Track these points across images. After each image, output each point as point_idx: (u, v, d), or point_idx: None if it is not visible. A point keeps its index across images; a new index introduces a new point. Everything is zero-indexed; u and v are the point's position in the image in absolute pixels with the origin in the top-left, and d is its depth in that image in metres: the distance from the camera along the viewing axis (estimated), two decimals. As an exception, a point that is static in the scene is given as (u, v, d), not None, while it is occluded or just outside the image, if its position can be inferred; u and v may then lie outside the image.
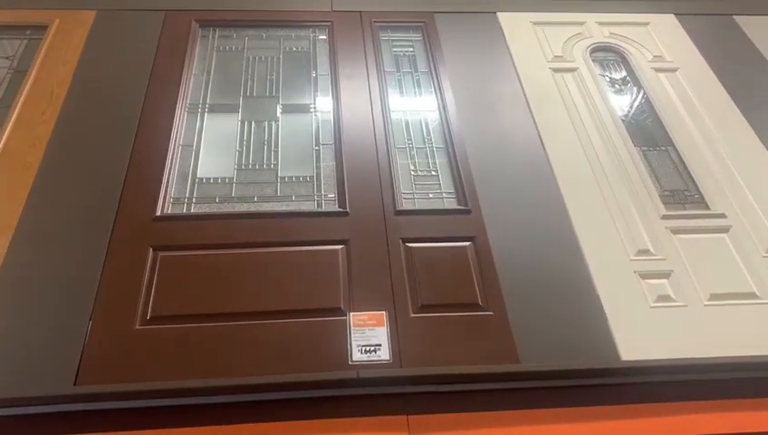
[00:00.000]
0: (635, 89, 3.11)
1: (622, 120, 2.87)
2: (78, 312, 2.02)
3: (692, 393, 2.02)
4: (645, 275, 2.28)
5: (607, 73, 3.18)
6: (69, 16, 3.15)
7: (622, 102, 3.02)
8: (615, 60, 3.27)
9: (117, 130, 2.60)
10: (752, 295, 2.25)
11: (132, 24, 3.11)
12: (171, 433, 1.75)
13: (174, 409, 1.80)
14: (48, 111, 2.68)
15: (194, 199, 2.46)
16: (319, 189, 2.52)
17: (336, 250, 2.26)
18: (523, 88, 2.97)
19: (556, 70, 3.10)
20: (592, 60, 3.20)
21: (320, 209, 2.43)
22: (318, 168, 2.60)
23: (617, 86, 3.12)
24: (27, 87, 2.78)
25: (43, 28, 3.11)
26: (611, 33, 3.35)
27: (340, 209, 2.41)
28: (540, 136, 2.75)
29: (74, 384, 1.86)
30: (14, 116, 2.64)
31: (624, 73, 3.19)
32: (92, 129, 2.61)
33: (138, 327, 2.01)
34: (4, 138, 2.55)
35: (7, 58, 3.00)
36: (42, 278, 2.10)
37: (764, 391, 2.06)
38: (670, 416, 1.97)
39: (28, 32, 3.13)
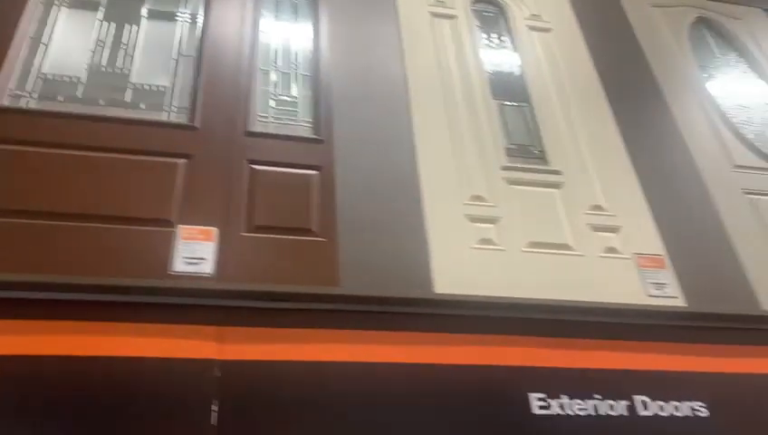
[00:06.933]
0: (507, 44, 3.20)
1: (488, 73, 2.97)
2: None
3: (500, 328, 2.20)
4: (474, 219, 2.42)
5: (484, 26, 3.25)
6: None
7: (492, 55, 3.10)
8: (494, 13, 3.34)
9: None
10: (565, 247, 2.45)
11: None
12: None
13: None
14: None
15: (35, 95, 2.35)
16: (172, 101, 2.47)
17: (176, 163, 2.25)
18: (399, 27, 2.99)
19: (435, 14, 3.13)
20: (473, 10, 3.25)
21: (167, 120, 2.39)
22: (175, 79, 2.54)
23: (491, 40, 3.20)
24: None
25: None
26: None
27: (189, 123, 2.38)
28: (406, 77, 2.80)
29: None
30: None
31: (500, 28, 3.27)
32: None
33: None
34: None
35: None
36: None
37: (564, 332, 2.26)
38: (475, 346, 2.15)
39: None
